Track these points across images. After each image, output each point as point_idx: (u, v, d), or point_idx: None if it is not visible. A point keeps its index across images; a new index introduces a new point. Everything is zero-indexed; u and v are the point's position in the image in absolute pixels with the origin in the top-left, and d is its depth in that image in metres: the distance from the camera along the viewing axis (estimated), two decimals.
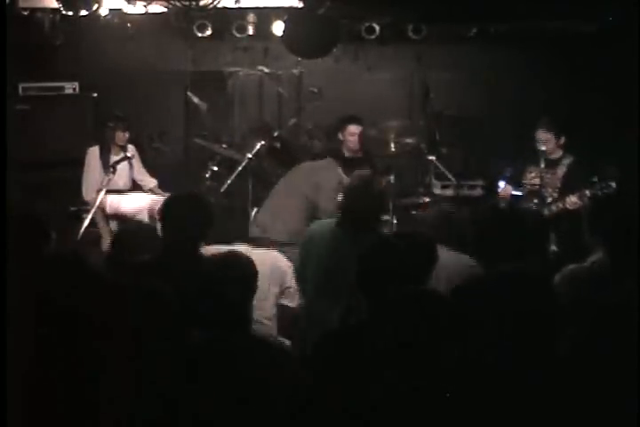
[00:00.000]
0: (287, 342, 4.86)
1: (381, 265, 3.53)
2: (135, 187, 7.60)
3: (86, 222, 6.40)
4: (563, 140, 6.82)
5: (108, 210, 7.06)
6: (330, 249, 4.80)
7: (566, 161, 6.89)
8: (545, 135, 6.80)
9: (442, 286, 4.32)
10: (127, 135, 7.43)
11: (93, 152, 7.45)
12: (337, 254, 4.74)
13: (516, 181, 7.01)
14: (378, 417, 3.17)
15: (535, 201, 6.80)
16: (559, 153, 6.89)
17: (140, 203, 7.20)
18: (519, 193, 6.97)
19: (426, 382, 3.18)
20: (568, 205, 6.57)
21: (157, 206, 6.51)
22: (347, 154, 7.66)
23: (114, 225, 7.19)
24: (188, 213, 4.33)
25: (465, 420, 3.18)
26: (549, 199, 6.77)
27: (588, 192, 6.42)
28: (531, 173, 6.95)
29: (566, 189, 6.73)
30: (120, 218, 7.15)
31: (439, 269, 4.41)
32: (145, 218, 6.86)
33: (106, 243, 6.52)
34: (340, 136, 7.66)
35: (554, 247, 6.60)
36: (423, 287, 3.93)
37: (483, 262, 4.24)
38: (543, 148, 6.77)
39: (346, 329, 3.50)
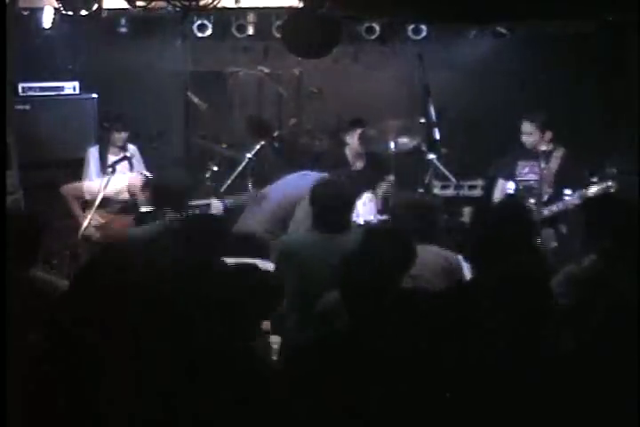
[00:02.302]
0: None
1: (358, 267, 3.56)
2: None
3: (86, 222, 6.40)
4: (549, 134, 6.86)
5: (88, 197, 6.86)
6: (309, 255, 4.91)
7: (558, 154, 6.93)
8: (528, 127, 6.86)
9: (426, 282, 4.37)
10: (124, 135, 7.38)
11: (93, 152, 7.44)
12: (316, 259, 4.85)
13: (510, 178, 7.05)
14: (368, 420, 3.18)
15: (532, 200, 6.80)
16: (549, 146, 6.92)
17: (118, 183, 6.88)
18: (511, 191, 7.02)
19: (419, 383, 3.19)
20: (569, 206, 6.59)
21: (135, 183, 6.51)
22: (350, 156, 7.67)
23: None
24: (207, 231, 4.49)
25: (464, 421, 3.18)
26: (546, 197, 6.79)
27: (588, 192, 6.44)
28: (524, 167, 6.98)
29: (561, 183, 6.76)
30: (102, 202, 6.81)
31: (424, 265, 4.47)
32: (126, 197, 6.72)
33: (83, 230, 6.44)
34: (348, 139, 7.67)
35: (554, 245, 6.62)
36: (414, 288, 3.95)
37: (478, 263, 4.24)
38: (527, 139, 6.84)
39: (333, 333, 3.51)
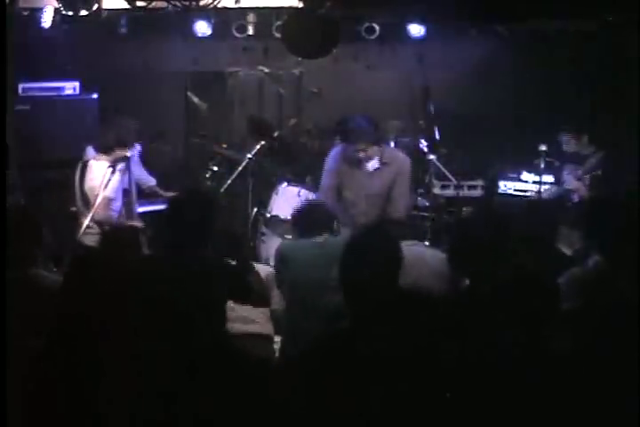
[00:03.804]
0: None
1: (356, 268, 3.60)
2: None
3: (86, 222, 6.39)
4: (585, 138, 6.96)
5: (114, 195, 6.69)
6: (304, 259, 5.09)
7: (594, 157, 6.99)
8: (567, 138, 6.97)
9: (426, 283, 4.40)
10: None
11: (91, 152, 7.42)
12: (311, 262, 5.01)
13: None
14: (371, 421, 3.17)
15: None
16: (590, 149, 7.01)
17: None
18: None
19: (420, 384, 3.19)
20: (567, 186, 6.69)
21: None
22: None
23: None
24: (192, 212, 4.45)
25: (465, 421, 3.18)
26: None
27: (580, 172, 6.56)
28: (565, 170, 7.08)
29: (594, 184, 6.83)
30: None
31: (420, 267, 4.49)
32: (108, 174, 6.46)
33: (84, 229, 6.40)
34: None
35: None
36: (413, 288, 3.95)
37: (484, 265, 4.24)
38: (567, 148, 6.95)
39: (335, 334, 3.51)
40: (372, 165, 6.46)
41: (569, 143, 7.05)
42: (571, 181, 6.74)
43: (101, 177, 6.45)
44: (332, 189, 6.62)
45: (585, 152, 7.02)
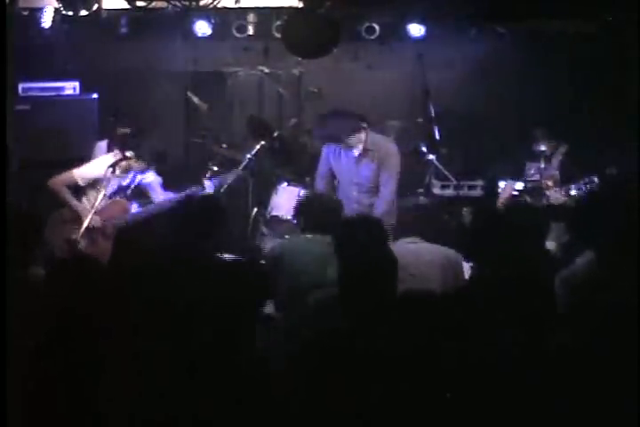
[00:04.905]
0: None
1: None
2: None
3: (86, 222, 6.39)
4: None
5: (81, 182, 6.69)
6: (298, 257, 5.07)
7: (560, 151, 6.97)
8: (543, 135, 6.92)
9: (426, 279, 4.41)
10: (128, 131, 7.35)
11: (100, 147, 7.44)
12: (305, 260, 5.00)
13: (517, 179, 7.08)
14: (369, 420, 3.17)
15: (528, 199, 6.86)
16: (552, 147, 6.99)
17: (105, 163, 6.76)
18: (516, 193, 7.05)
19: (419, 383, 3.19)
20: (552, 201, 6.66)
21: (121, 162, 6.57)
22: None
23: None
24: (201, 213, 4.50)
25: (465, 421, 3.18)
26: (548, 192, 6.83)
27: (573, 188, 6.51)
28: (530, 169, 7.02)
29: (563, 179, 6.81)
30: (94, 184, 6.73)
31: (423, 263, 4.50)
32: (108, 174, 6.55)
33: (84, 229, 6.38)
34: None
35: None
36: (413, 289, 3.96)
37: (481, 265, 4.25)
38: (540, 147, 6.91)
39: (332, 334, 3.51)
40: (355, 151, 6.63)
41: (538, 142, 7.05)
42: (557, 198, 6.70)
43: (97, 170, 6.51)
44: (324, 176, 6.95)
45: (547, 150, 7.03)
